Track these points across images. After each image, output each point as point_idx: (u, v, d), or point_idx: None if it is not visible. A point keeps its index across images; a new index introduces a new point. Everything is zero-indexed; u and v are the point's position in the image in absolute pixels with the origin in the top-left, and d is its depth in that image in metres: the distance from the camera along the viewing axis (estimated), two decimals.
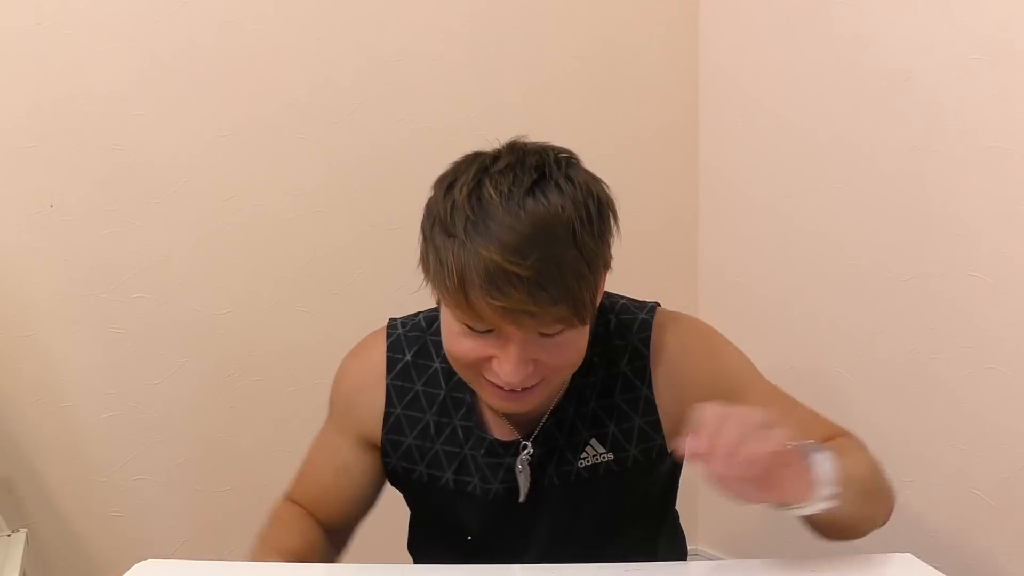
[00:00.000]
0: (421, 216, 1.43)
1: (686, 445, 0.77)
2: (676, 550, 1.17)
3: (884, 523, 0.98)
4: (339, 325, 1.63)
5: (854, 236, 1.42)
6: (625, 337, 1.01)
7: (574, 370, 0.96)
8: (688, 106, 1.77)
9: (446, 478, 1.03)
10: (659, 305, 1.05)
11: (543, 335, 0.87)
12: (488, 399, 0.95)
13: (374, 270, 1.64)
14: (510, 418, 1.00)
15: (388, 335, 1.07)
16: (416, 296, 1.23)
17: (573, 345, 0.90)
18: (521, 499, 1.01)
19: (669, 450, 1.01)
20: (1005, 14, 1.14)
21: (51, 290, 1.51)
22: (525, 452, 1.00)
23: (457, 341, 0.90)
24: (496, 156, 0.89)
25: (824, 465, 0.83)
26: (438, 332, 0.98)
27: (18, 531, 1.39)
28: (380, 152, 1.62)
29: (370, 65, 1.60)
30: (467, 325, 0.87)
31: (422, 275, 0.92)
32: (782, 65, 1.55)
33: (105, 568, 1.58)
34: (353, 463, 1.07)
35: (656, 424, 1.00)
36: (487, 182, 0.85)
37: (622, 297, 1.05)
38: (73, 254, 1.51)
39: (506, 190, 0.84)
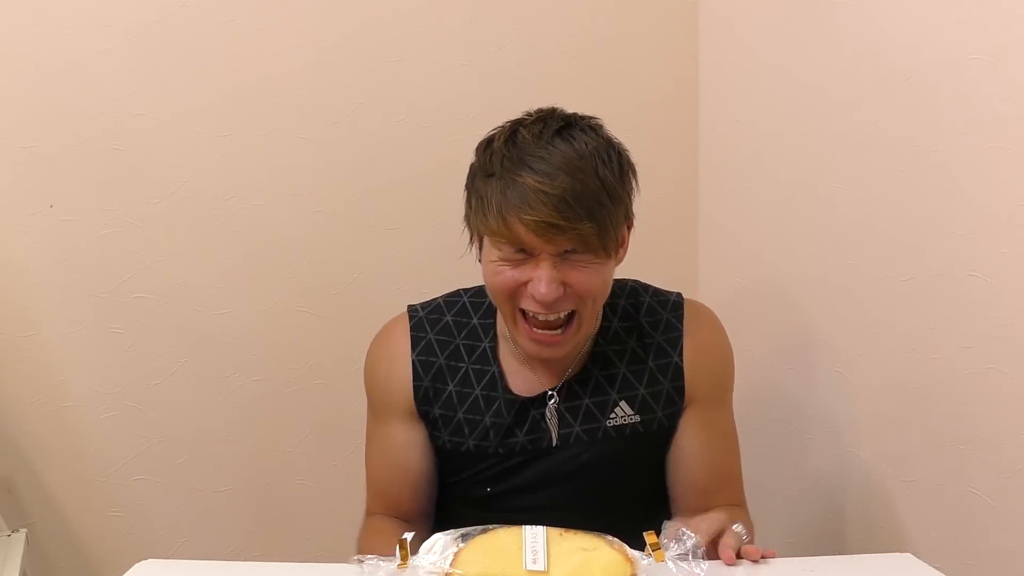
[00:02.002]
0: (421, 216, 1.46)
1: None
2: None
3: None
4: (339, 325, 1.64)
5: (854, 236, 1.42)
6: (659, 313, 1.15)
7: (599, 305, 1.07)
8: (688, 106, 1.76)
9: (467, 445, 1.12)
10: None
11: (571, 261, 1.00)
12: (524, 344, 1.06)
13: (374, 270, 1.64)
14: (536, 374, 1.11)
15: (410, 318, 1.17)
16: (420, 291, 1.24)
17: (598, 274, 1.02)
18: (554, 443, 1.11)
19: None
20: (1005, 14, 1.14)
21: (51, 290, 1.51)
22: (552, 401, 1.11)
23: (498, 273, 1.02)
24: (529, 114, 1.05)
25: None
26: (458, 314, 1.15)
27: (18, 531, 1.39)
28: (380, 152, 1.62)
29: (370, 65, 1.60)
30: (505, 258, 1.01)
31: (466, 242, 1.09)
32: (782, 64, 1.55)
33: (105, 568, 1.58)
34: (406, 441, 1.14)
35: (681, 390, 1.12)
36: (521, 129, 1.02)
37: (651, 285, 1.19)
38: (73, 254, 1.51)
39: (538, 132, 1.00)
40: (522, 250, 1.00)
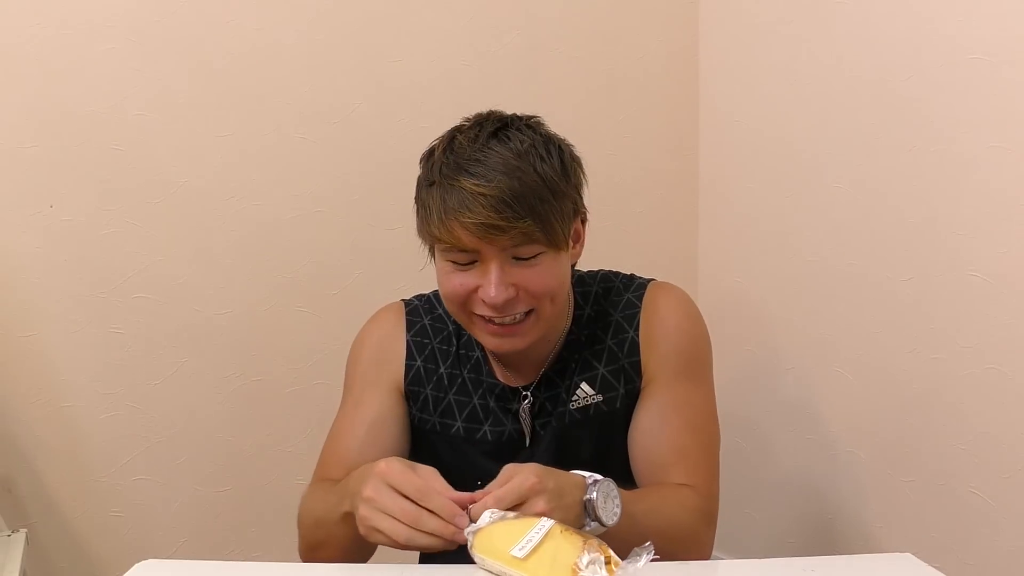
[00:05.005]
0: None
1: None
2: None
3: (677, 551, 0.98)
4: (339, 325, 1.63)
5: (854, 236, 1.42)
6: (622, 295, 1.14)
7: (559, 302, 1.05)
8: (688, 106, 1.76)
9: (456, 426, 1.13)
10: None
11: (519, 260, 0.99)
12: (483, 339, 1.05)
13: (374, 270, 1.64)
14: (512, 367, 1.12)
15: (405, 304, 1.19)
16: (419, 291, 1.24)
17: (549, 271, 1.01)
18: (527, 443, 1.11)
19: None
20: (1005, 14, 1.14)
21: (51, 290, 1.51)
22: (526, 402, 1.11)
23: (448, 280, 1.02)
24: (467, 119, 1.05)
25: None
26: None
27: (18, 531, 1.39)
28: (380, 152, 1.62)
29: (370, 65, 1.60)
30: (453, 261, 1.00)
31: (425, 254, 1.07)
32: (782, 65, 1.55)
33: (105, 568, 1.58)
34: (386, 414, 1.13)
35: (637, 365, 1.10)
36: (458, 136, 1.02)
37: (630, 273, 1.18)
38: (73, 254, 1.51)
39: (473, 136, 1.00)
40: (468, 253, 0.99)
